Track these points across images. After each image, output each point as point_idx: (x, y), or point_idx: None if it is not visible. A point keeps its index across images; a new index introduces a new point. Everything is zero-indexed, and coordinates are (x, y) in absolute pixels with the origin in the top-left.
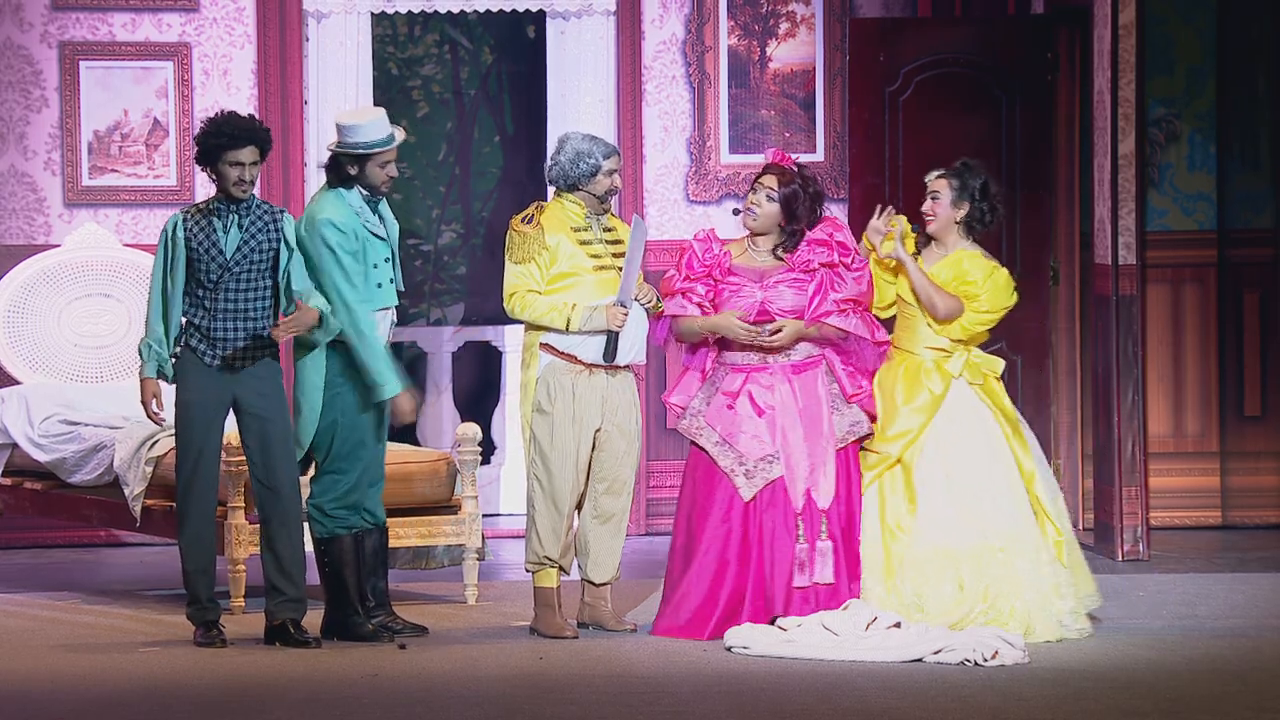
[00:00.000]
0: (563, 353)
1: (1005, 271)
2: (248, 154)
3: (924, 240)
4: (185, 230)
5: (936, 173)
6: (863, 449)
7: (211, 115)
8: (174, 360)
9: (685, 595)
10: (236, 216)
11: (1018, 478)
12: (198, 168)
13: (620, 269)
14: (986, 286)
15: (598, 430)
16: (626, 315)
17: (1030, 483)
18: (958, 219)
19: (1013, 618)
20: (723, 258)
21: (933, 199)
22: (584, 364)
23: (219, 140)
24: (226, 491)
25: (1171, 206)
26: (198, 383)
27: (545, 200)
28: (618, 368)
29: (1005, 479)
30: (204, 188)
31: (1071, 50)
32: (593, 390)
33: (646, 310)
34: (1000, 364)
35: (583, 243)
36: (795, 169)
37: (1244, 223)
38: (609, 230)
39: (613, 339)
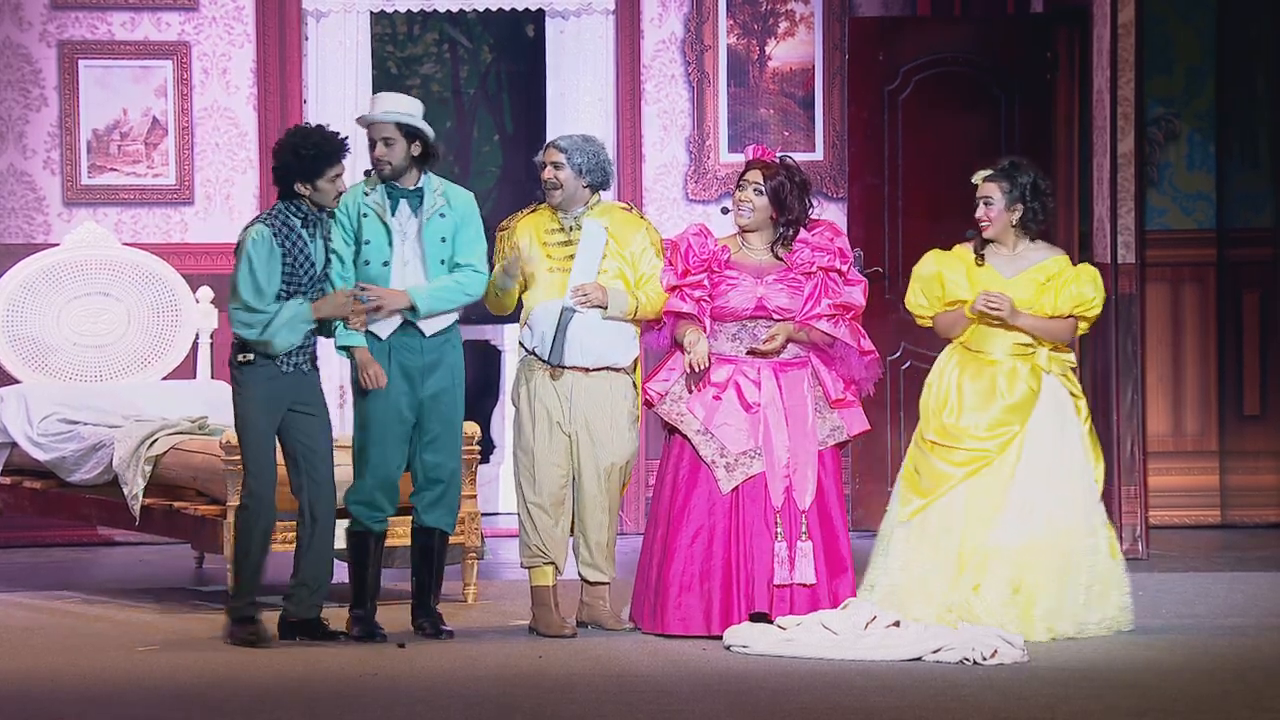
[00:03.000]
0: (528, 350)
1: (1094, 269)
2: (341, 167)
3: (982, 243)
4: (280, 240)
5: (984, 174)
6: (944, 446)
7: (292, 133)
8: (243, 365)
9: (682, 590)
10: (320, 227)
11: (1090, 477)
12: (276, 183)
13: (572, 270)
14: (1100, 293)
15: (568, 429)
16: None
17: (1098, 479)
18: (1013, 222)
19: (1061, 613)
20: (720, 251)
21: (985, 204)
22: (546, 363)
23: (324, 161)
24: (225, 490)
25: (1171, 206)
26: (268, 392)
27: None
28: (587, 369)
29: (1082, 473)
30: (204, 187)
31: (1071, 49)
32: (555, 389)
33: (590, 311)
34: (1073, 356)
35: (544, 244)
36: (778, 161)
37: (1243, 222)
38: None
39: (558, 332)
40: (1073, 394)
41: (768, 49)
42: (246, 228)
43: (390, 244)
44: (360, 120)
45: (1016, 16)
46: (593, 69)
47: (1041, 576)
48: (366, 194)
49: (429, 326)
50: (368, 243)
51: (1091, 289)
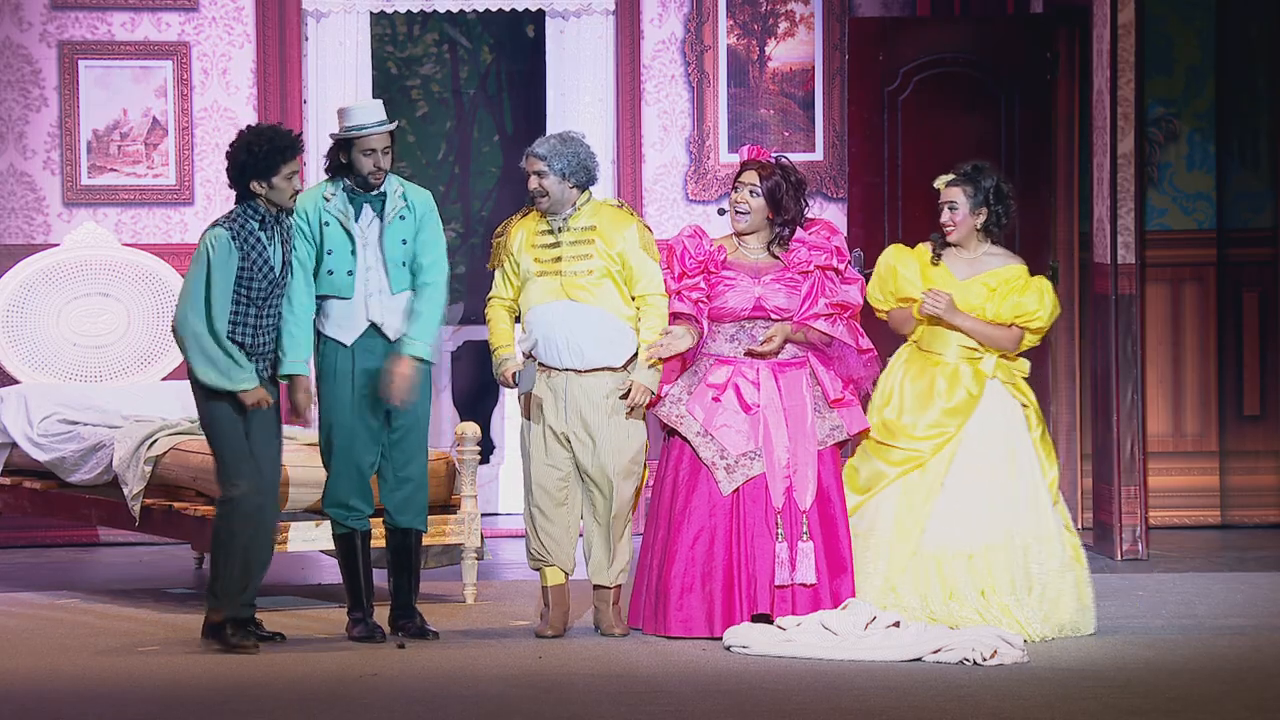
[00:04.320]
0: (525, 354)
1: (1048, 283)
2: (298, 163)
3: (942, 244)
4: (238, 244)
5: (947, 178)
6: (882, 444)
7: (245, 132)
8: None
9: (684, 592)
10: (279, 229)
11: (1042, 482)
12: (231, 184)
13: (560, 272)
14: (1045, 309)
15: (561, 430)
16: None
17: (1052, 488)
18: (977, 225)
19: (1021, 615)
20: (715, 252)
21: (950, 209)
22: (541, 364)
23: (279, 157)
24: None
25: (1171, 206)
26: (234, 399)
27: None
28: (579, 370)
29: (1028, 480)
30: (204, 187)
31: (1071, 50)
32: (550, 389)
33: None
34: (1027, 365)
35: (534, 246)
36: (773, 161)
37: (1243, 222)
38: (588, 229)
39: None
40: (1022, 403)
41: (768, 49)
42: (205, 231)
43: (354, 253)
44: (350, 131)
45: (1016, 17)
46: (593, 69)
47: (997, 582)
48: (326, 199)
49: (393, 331)
50: (330, 253)
51: (1035, 301)
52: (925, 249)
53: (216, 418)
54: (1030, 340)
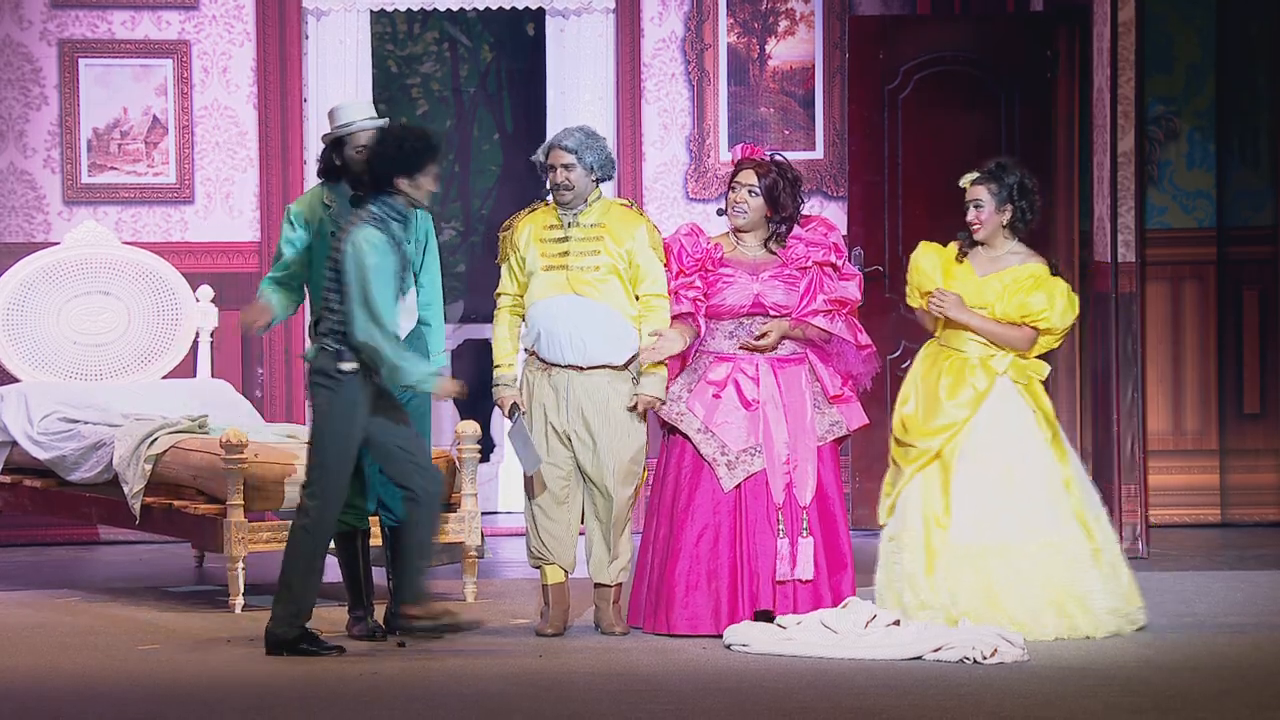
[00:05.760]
0: (527, 349)
1: (1065, 285)
2: (440, 164)
3: (970, 243)
4: (388, 242)
5: (972, 177)
6: (901, 443)
7: (395, 129)
8: (345, 374)
9: (689, 590)
10: (409, 226)
11: (1057, 480)
12: (372, 180)
13: (567, 267)
14: (1055, 310)
15: (563, 428)
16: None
17: (1068, 487)
18: (1003, 223)
19: (1035, 616)
20: (713, 250)
21: (975, 208)
22: (543, 361)
23: (430, 155)
24: (225, 489)
25: (1171, 204)
26: (365, 399)
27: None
28: (583, 367)
29: (1043, 479)
30: (204, 185)
31: (1071, 48)
32: (551, 388)
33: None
34: (1046, 368)
35: (541, 240)
36: (769, 159)
37: (1243, 220)
38: (597, 226)
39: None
40: (1033, 407)
41: (768, 47)
42: (353, 234)
43: None
44: (340, 130)
45: (1016, 15)
46: (593, 68)
47: (1014, 580)
48: (327, 205)
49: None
50: None
51: (1043, 301)
52: (954, 246)
53: (341, 432)
54: (1046, 342)
